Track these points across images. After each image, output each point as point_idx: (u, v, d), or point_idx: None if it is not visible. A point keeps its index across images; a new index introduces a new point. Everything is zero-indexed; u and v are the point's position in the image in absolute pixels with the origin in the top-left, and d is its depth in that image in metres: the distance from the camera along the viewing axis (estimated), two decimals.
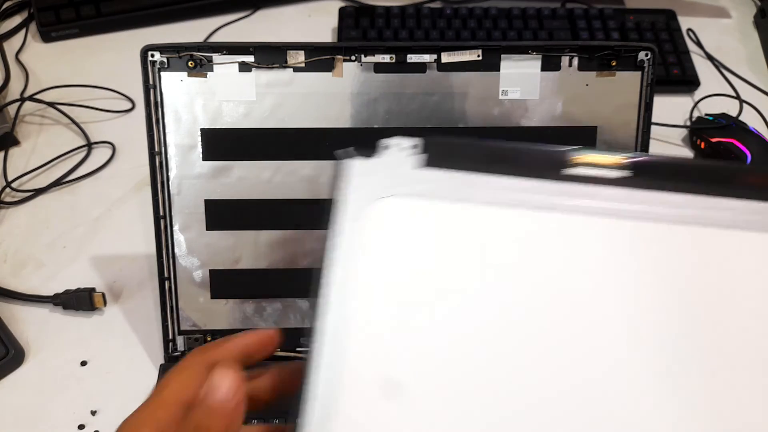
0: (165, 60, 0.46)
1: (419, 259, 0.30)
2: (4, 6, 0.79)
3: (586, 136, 0.48)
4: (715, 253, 0.29)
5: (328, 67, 0.47)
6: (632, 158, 0.29)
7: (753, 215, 0.28)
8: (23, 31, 0.78)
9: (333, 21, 0.78)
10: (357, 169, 0.31)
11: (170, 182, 0.48)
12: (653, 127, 0.50)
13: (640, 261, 0.29)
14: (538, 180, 0.30)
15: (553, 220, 0.30)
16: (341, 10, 0.76)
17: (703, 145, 0.66)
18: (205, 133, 0.48)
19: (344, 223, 0.30)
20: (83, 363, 0.52)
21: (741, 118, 0.69)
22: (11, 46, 0.76)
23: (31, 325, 0.54)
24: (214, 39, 0.77)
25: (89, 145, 0.66)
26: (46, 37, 0.77)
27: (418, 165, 0.31)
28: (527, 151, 0.31)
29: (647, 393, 0.29)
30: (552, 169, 0.30)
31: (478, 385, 0.29)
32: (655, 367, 0.29)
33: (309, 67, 0.47)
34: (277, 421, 0.37)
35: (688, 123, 0.70)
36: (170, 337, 0.50)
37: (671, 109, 0.70)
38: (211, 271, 0.49)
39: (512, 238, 0.30)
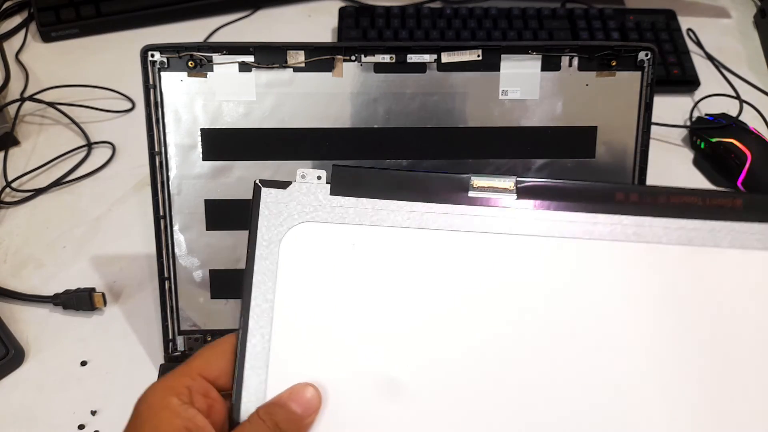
0: (165, 60, 0.46)
1: (333, 277, 0.34)
2: (4, 6, 0.80)
3: (586, 136, 0.48)
4: (591, 262, 0.33)
5: (328, 67, 0.47)
6: (521, 182, 0.34)
7: (623, 227, 0.33)
8: (23, 31, 0.78)
9: (333, 21, 0.78)
10: (272, 198, 0.34)
11: (170, 182, 0.48)
12: (653, 127, 0.50)
13: (534, 272, 0.33)
14: (442, 204, 0.34)
15: (459, 239, 0.34)
16: (341, 10, 0.76)
17: (703, 145, 0.66)
18: (205, 133, 0.48)
19: (262, 249, 0.34)
20: (83, 363, 0.52)
21: (741, 118, 0.69)
22: (11, 46, 0.76)
23: (31, 325, 0.54)
24: (214, 39, 0.77)
25: (89, 145, 0.66)
26: (46, 37, 0.77)
27: (329, 193, 0.34)
28: (430, 178, 0.34)
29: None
30: (454, 193, 0.34)
31: (397, 386, 0.33)
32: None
33: (309, 67, 0.47)
34: None
35: (688, 123, 0.70)
36: (170, 337, 0.50)
37: (671, 109, 0.70)
38: (211, 271, 0.49)
39: (421, 256, 0.34)
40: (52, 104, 0.69)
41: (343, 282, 0.33)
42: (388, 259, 0.33)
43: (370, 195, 0.34)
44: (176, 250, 0.49)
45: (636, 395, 0.32)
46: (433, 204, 0.34)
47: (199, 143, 0.48)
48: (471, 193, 0.34)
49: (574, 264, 0.33)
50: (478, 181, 0.34)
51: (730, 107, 0.70)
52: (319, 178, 0.34)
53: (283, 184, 0.34)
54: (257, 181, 0.34)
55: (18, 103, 0.68)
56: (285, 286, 0.33)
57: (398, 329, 0.33)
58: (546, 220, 0.33)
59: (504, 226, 0.33)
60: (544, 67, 0.47)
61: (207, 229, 0.49)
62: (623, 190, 0.34)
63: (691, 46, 0.77)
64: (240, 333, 0.32)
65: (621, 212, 0.33)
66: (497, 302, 0.33)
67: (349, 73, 0.47)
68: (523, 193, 0.34)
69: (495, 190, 0.34)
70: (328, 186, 0.34)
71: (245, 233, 0.49)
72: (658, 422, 0.32)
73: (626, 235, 0.33)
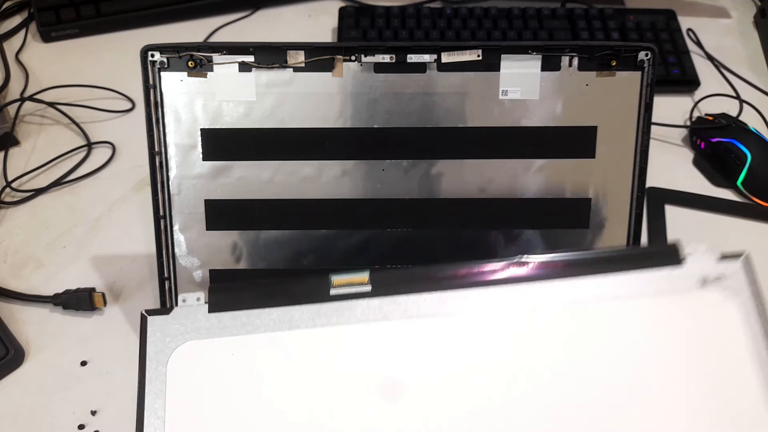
0: (165, 60, 0.46)
1: (218, 388, 0.37)
2: (4, 6, 0.80)
3: (586, 136, 0.48)
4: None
5: (328, 67, 0.47)
6: (372, 275, 0.38)
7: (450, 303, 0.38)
8: (23, 31, 0.78)
9: (333, 21, 0.78)
10: (157, 325, 0.38)
11: (170, 182, 0.48)
12: (653, 127, 0.50)
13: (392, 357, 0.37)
14: (308, 304, 0.37)
15: (325, 334, 0.37)
16: (341, 10, 0.76)
17: (703, 145, 0.66)
18: (205, 133, 0.48)
19: (151, 372, 0.38)
20: (83, 363, 0.52)
21: (741, 118, 0.69)
22: (11, 46, 0.76)
23: (31, 325, 0.54)
24: (214, 39, 0.77)
25: (89, 145, 0.66)
26: (46, 37, 0.77)
27: (208, 311, 0.38)
28: (295, 283, 0.38)
29: None
30: (319, 293, 0.38)
31: None
32: None
33: (309, 67, 0.47)
34: None
35: (688, 123, 0.70)
36: None
37: (671, 109, 0.70)
38: (211, 270, 0.49)
39: (292, 354, 0.37)
40: (52, 104, 0.69)
41: (228, 391, 0.36)
42: (266, 363, 0.37)
43: (245, 306, 0.37)
44: (176, 250, 0.49)
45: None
46: (300, 306, 0.37)
47: (199, 143, 0.48)
48: (334, 291, 0.38)
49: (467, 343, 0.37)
50: (337, 279, 0.38)
51: (730, 107, 0.70)
52: (198, 299, 0.38)
53: (167, 311, 0.38)
54: (143, 312, 0.38)
55: (18, 103, 0.68)
56: (174, 404, 0.36)
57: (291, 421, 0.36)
58: (394, 305, 0.37)
59: (365, 317, 0.37)
60: (544, 67, 0.47)
61: (207, 229, 0.49)
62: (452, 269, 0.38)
63: (691, 46, 0.77)
64: None
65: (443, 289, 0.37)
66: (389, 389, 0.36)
67: (349, 73, 0.47)
68: (377, 285, 0.38)
69: (353, 284, 0.38)
70: (207, 305, 0.38)
71: (245, 233, 0.49)
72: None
73: (450, 312, 0.37)
